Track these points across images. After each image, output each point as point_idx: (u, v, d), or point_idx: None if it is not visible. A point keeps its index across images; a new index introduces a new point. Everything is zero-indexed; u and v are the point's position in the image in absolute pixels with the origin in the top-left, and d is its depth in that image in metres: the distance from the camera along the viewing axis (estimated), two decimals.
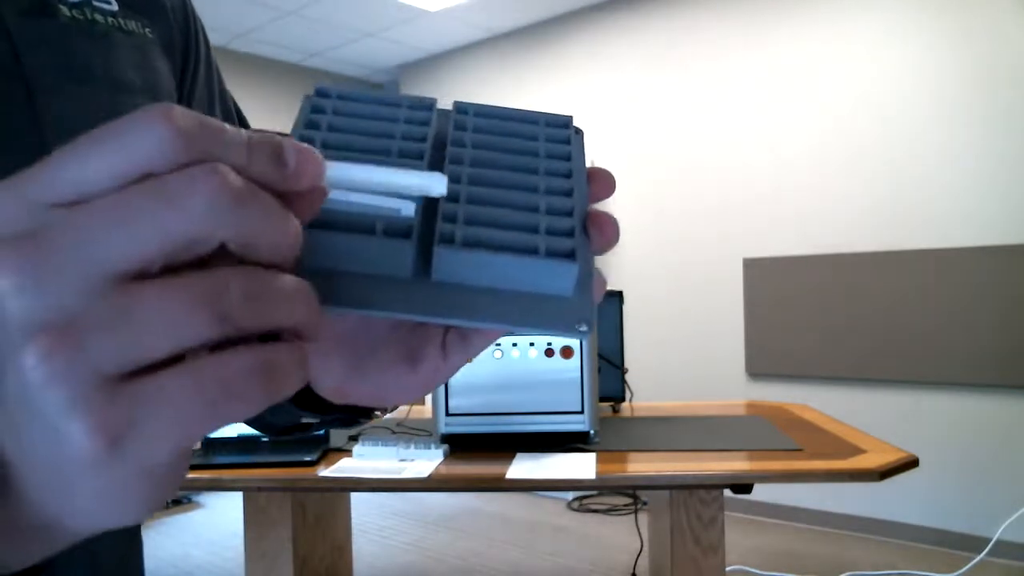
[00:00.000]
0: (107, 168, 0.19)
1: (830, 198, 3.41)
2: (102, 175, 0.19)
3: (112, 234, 0.18)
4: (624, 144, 4.06)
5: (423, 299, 0.26)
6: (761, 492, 2.83)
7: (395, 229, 0.26)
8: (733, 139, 3.70)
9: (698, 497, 1.65)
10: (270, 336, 0.21)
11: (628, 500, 3.66)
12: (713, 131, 3.76)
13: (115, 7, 0.49)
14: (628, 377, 2.15)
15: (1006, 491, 2.96)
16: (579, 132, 0.34)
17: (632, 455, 1.58)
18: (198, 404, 0.19)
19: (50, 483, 0.20)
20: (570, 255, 0.27)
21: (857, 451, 1.52)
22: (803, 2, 3.47)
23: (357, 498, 2.96)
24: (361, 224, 0.26)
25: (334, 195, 0.25)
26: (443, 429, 1.64)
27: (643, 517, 2.83)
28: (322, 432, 1.73)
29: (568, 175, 0.31)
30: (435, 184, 0.25)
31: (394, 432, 1.84)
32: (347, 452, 1.63)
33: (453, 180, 0.29)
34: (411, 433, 1.82)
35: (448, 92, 4.85)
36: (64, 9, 0.46)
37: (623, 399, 2.13)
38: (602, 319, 2.03)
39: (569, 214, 0.29)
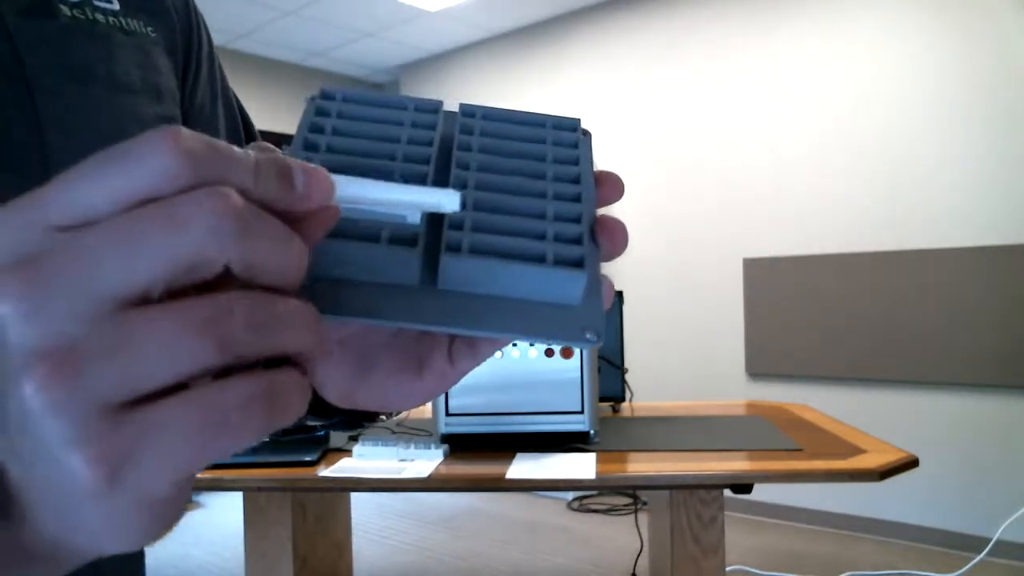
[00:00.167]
0: (111, 191, 0.19)
1: (830, 198, 3.41)
2: (106, 198, 0.19)
3: (114, 259, 0.18)
4: (624, 144, 4.06)
5: (429, 308, 0.26)
6: (761, 492, 2.83)
7: (401, 237, 0.26)
8: (733, 139, 3.70)
9: (698, 497, 1.65)
10: (272, 358, 0.20)
11: (628, 500, 3.66)
12: (713, 131, 3.76)
13: (116, 6, 0.49)
14: (628, 377, 2.15)
15: (1006, 491, 2.96)
16: (587, 134, 0.34)
17: (632, 455, 1.58)
18: (199, 434, 0.19)
19: (53, 507, 0.20)
20: (578, 263, 0.27)
21: (857, 451, 1.52)
22: (803, 2, 3.47)
23: (357, 498, 2.96)
24: (366, 232, 0.26)
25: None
26: (443, 429, 1.64)
27: (643, 517, 2.83)
28: (322, 432, 1.73)
29: (576, 180, 0.31)
30: (447, 202, 0.25)
31: (394, 432, 1.84)
32: (347, 452, 1.63)
33: (459, 185, 0.29)
34: (411, 433, 1.82)
35: (448, 92, 4.85)
36: (65, 9, 0.45)
37: (623, 399, 2.13)
38: None
39: (577, 220, 0.29)
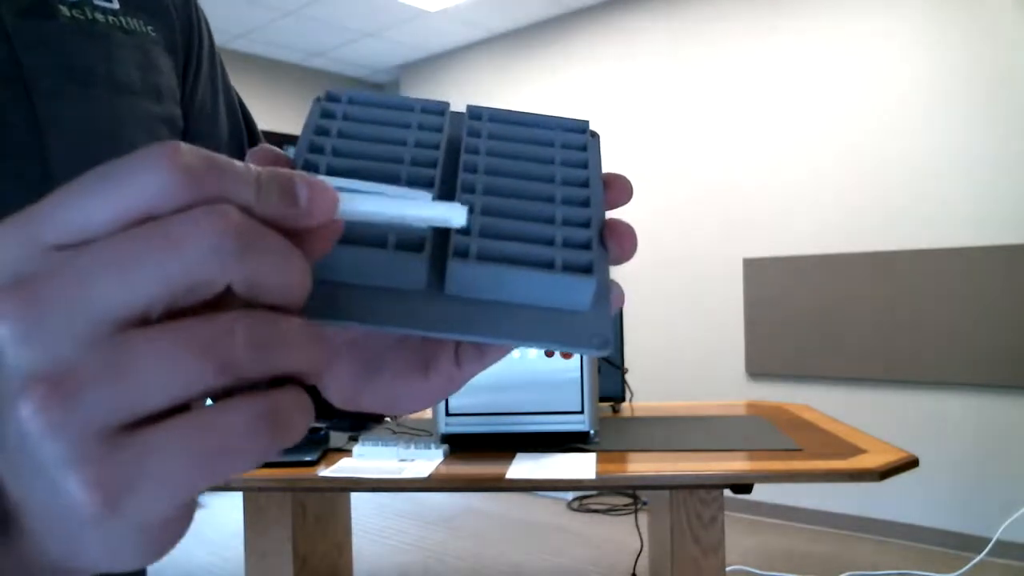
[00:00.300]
0: (109, 210, 0.18)
1: (830, 198, 3.41)
2: (104, 217, 0.18)
3: (111, 280, 0.18)
4: (624, 144, 4.06)
5: (435, 314, 0.26)
6: (761, 492, 2.83)
7: (407, 242, 0.25)
8: (734, 139, 3.70)
9: (698, 497, 1.65)
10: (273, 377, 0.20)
11: (628, 500, 3.66)
12: (714, 131, 3.76)
13: (116, 5, 0.48)
14: (628, 377, 2.15)
15: (1006, 491, 2.96)
16: (595, 136, 0.33)
17: (632, 455, 1.58)
18: (199, 458, 0.18)
19: (52, 529, 0.19)
20: (587, 269, 0.27)
21: (857, 451, 1.52)
22: (803, 2, 3.47)
23: (357, 498, 2.96)
24: (372, 237, 0.25)
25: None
26: (443, 429, 1.64)
27: (643, 517, 2.83)
28: (322, 432, 1.73)
29: (585, 184, 0.30)
30: (455, 216, 0.24)
31: (394, 432, 1.84)
32: (347, 452, 1.63)
33: (467, 190, 0.29)
34: (411, 433, 1.82)
35: (449, 92, 4.85)
36: (64, 9, 0.45)
37: (623, 399, 2.13)
38: None
39: (586, 225, 0.28)
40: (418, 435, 1.78)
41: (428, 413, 2.02)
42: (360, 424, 0.46)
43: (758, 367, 3.61)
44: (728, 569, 2.78)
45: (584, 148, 0.32)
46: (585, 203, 0.29)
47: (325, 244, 0.22)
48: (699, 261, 3.80)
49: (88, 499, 0.18)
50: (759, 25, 3.60)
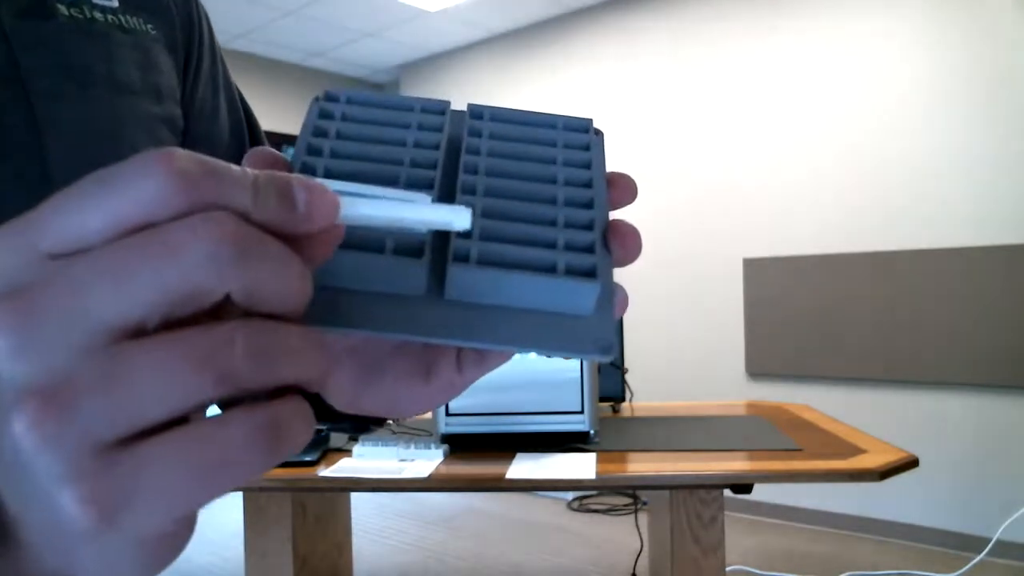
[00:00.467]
0: (104, 218, 0.18)
1: (830, 198, 3.41)
2: (99, 225, 0.18)
3: (106, 290, 0.17)
4: (624, 143, 4.06)
5: (435, 319, 0.25)
6: (761, 492, 2.83)
7: (407, 247, 0.25)
8: (734, 139, 3.70)
9: (698, 497, 1.65)
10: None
11: (628, 500, 3.66)
12: (714, 131, 3.76)
13: (115, 4, 0.48)
14: (628, 377, 2.15)
15: (1006, 491, 2.95)
16: (599, 134, 0.33)
17: (632, 455, 1.58)
18: (198, 472, 0.18)
19: (49, 542, 0.19)
20: (590, 273, 0.26)
21: (857, 451, 1.52)
22: (803, 2, 3.47)
23: (357, 498, 2.96)
24: (371, 242, 0.25)
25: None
26: (443, 429, 1.64)
27: (643, 517, 2.83)
28: (322, 433, 1.73)
29: (588, 184, 0.30)
30: (458, 219, 0.23)
31: (394, 432, 1.84)
32: (347, 452, 1.63)
33: (467, 191, 0.28)
34: (411, 433, 1.82)
35: (449, 92, 4.85)
36: (62, 8, 0.45)
37: (623, 399, 2.13)
38: None
39: (589, 227, 0.28)
40: (418, 435, 1.78)
41: (428, 413, 2.02)
42: (361, 426, 0.45)
43: (758, 367, 3.61)
44: (728, 569, 2.78)
45: (587, 147, 0.32)
46: (588, 205, 0.29)
47: (326, 249, 0.21)
48: (699, 261, 3.80)
49: (83, 514, 0.17)
50: (759, 25, 3.60)
